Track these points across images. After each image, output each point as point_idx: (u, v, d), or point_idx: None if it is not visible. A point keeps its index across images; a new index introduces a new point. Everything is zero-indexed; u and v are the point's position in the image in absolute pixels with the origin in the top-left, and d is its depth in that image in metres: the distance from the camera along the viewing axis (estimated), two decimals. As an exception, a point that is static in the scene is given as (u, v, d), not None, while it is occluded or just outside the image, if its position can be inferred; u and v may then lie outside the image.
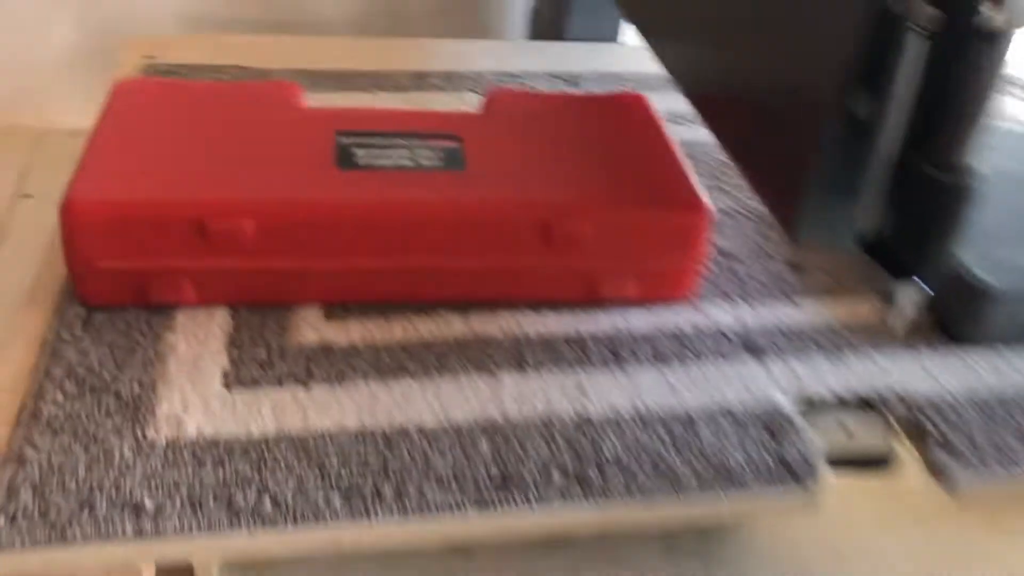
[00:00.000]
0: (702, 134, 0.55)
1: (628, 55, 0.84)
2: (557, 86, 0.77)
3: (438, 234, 0.49)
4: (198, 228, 0.47)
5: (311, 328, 0.50)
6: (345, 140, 0.53)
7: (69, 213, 0.46)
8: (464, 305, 0.52)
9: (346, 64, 0.77)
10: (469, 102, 0.73)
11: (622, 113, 0.59)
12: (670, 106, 0.73)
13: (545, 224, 0.49)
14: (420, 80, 0.76)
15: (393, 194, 0.49)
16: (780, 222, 0.45)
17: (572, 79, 0.78)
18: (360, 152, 0.52)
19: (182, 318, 0.49)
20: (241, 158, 0.50)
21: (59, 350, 0.46)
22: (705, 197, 0.51)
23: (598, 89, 0.77)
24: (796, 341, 0.52)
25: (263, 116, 0.54)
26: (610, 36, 0.88)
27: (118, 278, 0.48)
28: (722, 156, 0.68)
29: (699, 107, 0.55)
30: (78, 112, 1.03)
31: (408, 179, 0.50)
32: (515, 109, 0.58)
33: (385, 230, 0.48)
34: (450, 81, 0.76)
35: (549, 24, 0.92)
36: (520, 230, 0.49)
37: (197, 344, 0.48)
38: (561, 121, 0.57)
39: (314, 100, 0.70)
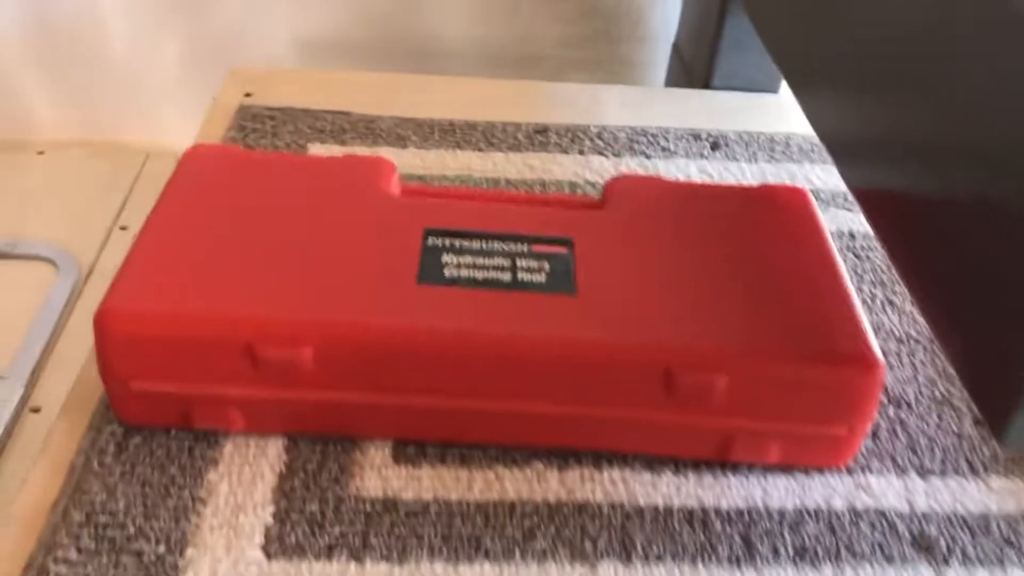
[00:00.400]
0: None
1: (785, 111, 0.73)
2: (696, 148, 0.66)
3: (535, 375, 0.40)
4: (247, 353, 0.39)
5: (376, 473, 0.41)
6: (434, 241, 0.44)
7: (102, 325, 0.39)
8: (563, 454, 0.43)
9: (459, 112, 0.69)
10: (594, 169, 0.63)
11: (775, 215, 0.48)
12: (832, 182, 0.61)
13: (669, 372, 0.39)
14: (539, 136, 0.66)
15: (482, 324, 0.40)
16: (983, 413, 0.34)
17: (715, 139, 0.67)
18: (449, 259, 0.43)
19: (230, 448, 0.42)
20: (307, 262, 0.42)
21: (85, 484, 0.40)
22: (876, 347, 0.40)
23: (744, 153, 0.66)
24: (985, 538, 0.41)
25: (343, 204, 0.46)
26: (766, 85, 0.76)
27: (156, 401, 0.41)
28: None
29: (868, 210, 0.43)
30: (186, 132, 0.99)
31: (503, 302, 0.41)
32: (640, 205, 0.48)
33: (471, 367, 0.40)
34: (573, 140, 0.66)
35: (691, 64, 0.81)
36: (637, 377, 0.39)
37: (241, 489, 0.40)
38: (697, 224, 0.47)
39: (417, 160, 0.62)
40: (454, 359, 0.39)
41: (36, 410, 0.68)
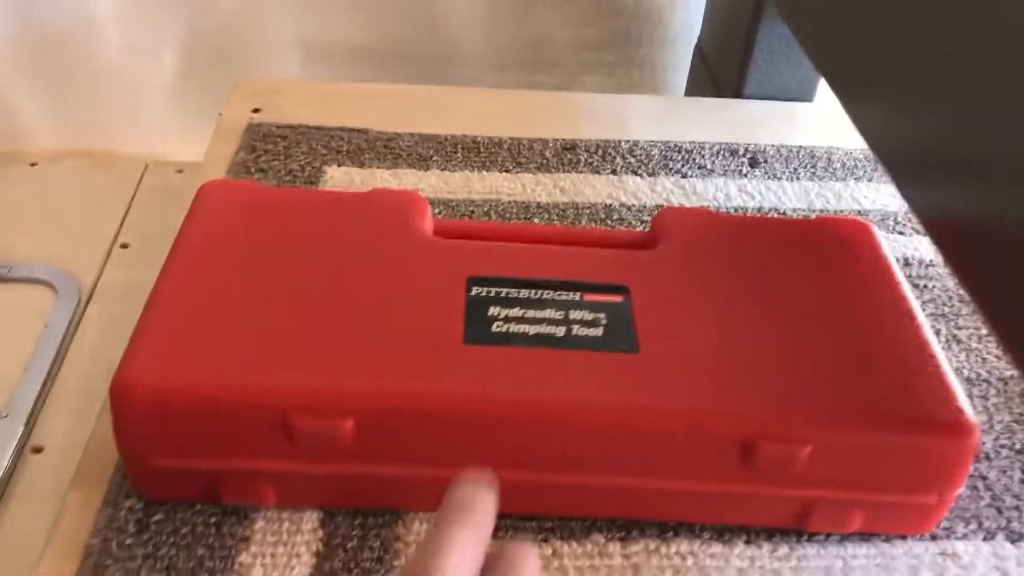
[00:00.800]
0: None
1: (823, 122, 0.69)
2: (735, 164, 0.63)
3: (596, 445, 0.36)
4: (282, 425, 0.35)
5: (422, 550, 0.38)
6: (479, 291, 0.40)
7: (120, 397, 0.35)
8: (626, 526, 0.39)
9: (482, 127, 0.65)
10: (629, 190, 0.59)
11: (841, 254, 0.44)
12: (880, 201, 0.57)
13: (748, 443, 0.35)
14: (568, 154, 0.63)
15: (537, 389, 0.36)
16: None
17: (753, 155, 0.64)
18: (496, 312, 0.39)
19: (261, 525, 0.38)
20: (342, 319, 0.38)
21: (104, 570, 0.36)
22: (969, 408, 0.37)
23: (785, 171, 0.62)
24: (1086, 612, 0.37)
25: (376, 250, 0.42)
26: (800, 93, 0.72)
27: (180, 476, 0.37)
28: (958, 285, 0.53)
29: (936, 235, 0.39)
30: (186, 142, 0.94)
31: (558, 362, 0.37)
32: (694, 244, 0.44)
33: (527, 436, 0.36)
34: (604, 157, 0.62)
35: (718, 69, 0.77)
36: (712, 448, 0.36)
37: (277, 573, 0.36)
38: (758, 266, 0.43)
39: (442, 183, 0.59)
40: (507, 427, 0.36)
41: (38, 450, 0.65)
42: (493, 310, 0.39)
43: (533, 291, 0.40)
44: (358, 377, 0.36)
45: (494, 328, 0.39)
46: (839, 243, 0.45)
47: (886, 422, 0.36)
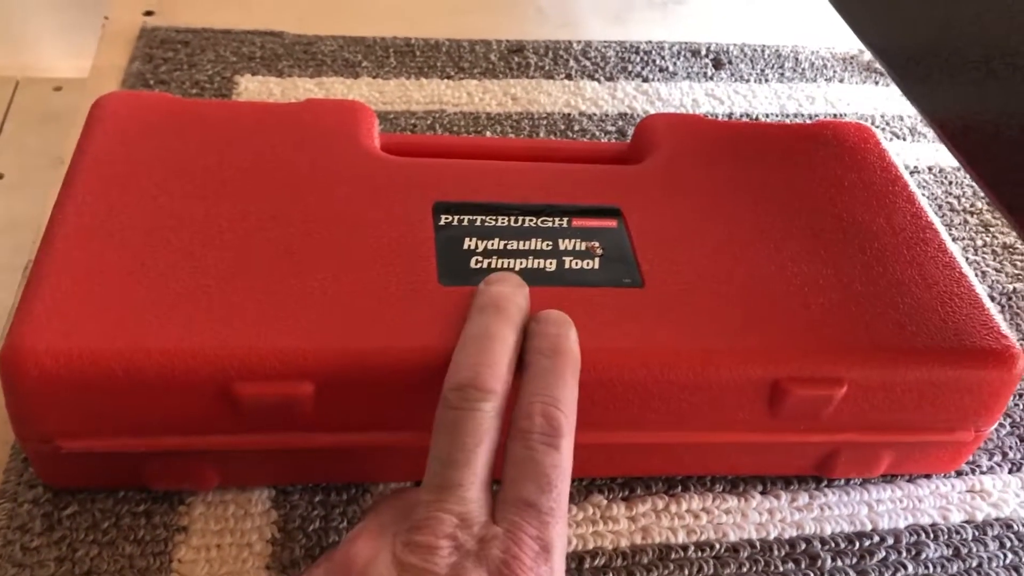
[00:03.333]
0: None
1: (786, 18, 0.64)
2: (698, 66, 0.57)
3: (604, 398, 0.31)
4: (224, 395, 0.28)
5: (398, 528, 0.32)
6: (448, 220, 0.34)
7: (11, 370, 0.28)
8: (628, 484, 0.34)
9: (415, 28, 0.57)
10: (587, 97, 0.53)
11: (847, 161, 0.39)
12: (855, 102, 0.52)
13: (779, 386, 0.31)
14: (516, 57, 0.56)
15: (535, 335, 0.30)
16: None
17: (716, 55, 0.58)
18: (473, 244, 0.33)
19: (201, 510, 0.32)
20: (291, 260, 0.31)
21: (7, 581, 0.29)
22: (1011, 334, 0.33)
23: (752, 72, 0.57)
24: (1122, 545, 0.35)
25: (322, 175, 0.35)
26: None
27: (95, 460, 0.30)
28: (950, 188, 0.49)
29: (950, 135, 0.35)
30: (64, 54, 0.83)
31: (554, 303, 0.31)
32: (686, 155, 0.38)
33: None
34: (556, 61, 0.56)
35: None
36: (736, 394, 0.31)
37: (225, 569, 0.30)
38: (761, 179, 0.38)
39: (375, 92, 0.51)
40: (499, 383, 0.30)
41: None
42: (469, 242, 0.33)
43: (513, 218, 0.34)
44: (315, 332, 0.29)
45: (473, 264, 0.32)
46: (844, 150, 0.40)
47: (926, 354, 0.32)
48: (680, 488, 0.34)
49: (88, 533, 0.31)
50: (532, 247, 0.33)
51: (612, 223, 0.35)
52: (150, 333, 0.28)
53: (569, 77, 0.55)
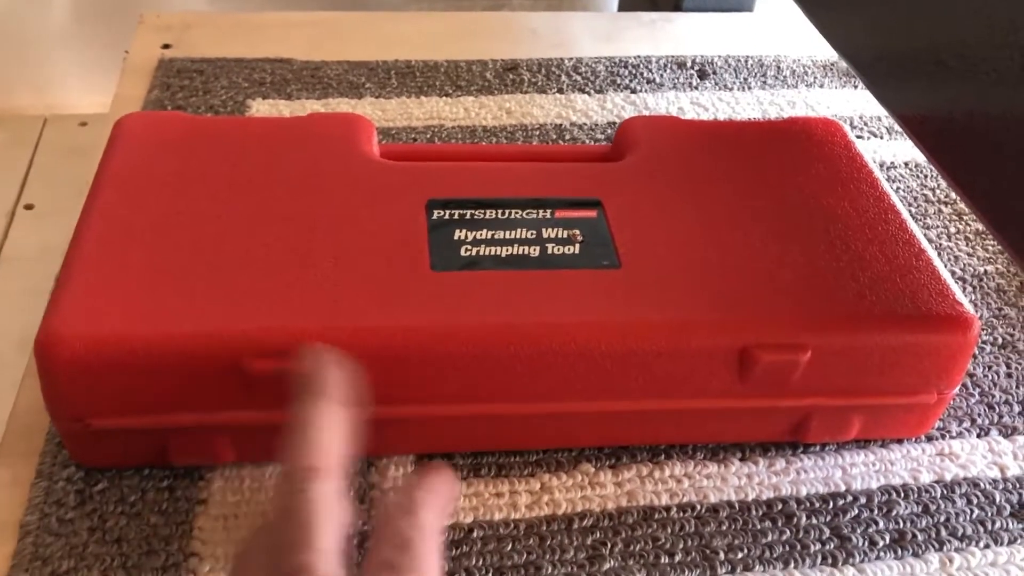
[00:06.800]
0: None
1: (766, 31, 0.67)
2: (684, 77, 0.60)
3: (583, 370, 0.33)
4: (236, 372, 0.31)
5: (401, 497, 0.35)
6: (440, 215, 0.37)
7: (48, 354, 0.31)
8: (615, 453, 0.37)
9: (415, 51, 0.61)
10: (578, 108, 0.56)
11: (815, 153, 0.42)
12: (835, 106, 0.55)
13: (746, 353, 0.33)
14: (510, 74, 0.59)
15: (515, 314, 0.33)
16: None
17: (701, 66, 0.61)
18: (463, 235, 0.36)
19: (219, 484, 0.35)
20: (296, 253, 0.34)
21: (44, 549, 0.32)
22: (966, 301, 0.35)
23: (735, 81, 0.60)
24: (1086, 500, 0.37)
25: (324, 177, 0.38)
26: (738, 3, 0.70)
27: (122, 438, 0.33)
28: (925, 181, 0.51)
29: (917, 134, 0.38)
30: (88, 91, 0.87)
31: (536, 284, 0.34)
32: (663, 152, 0.41)
33: (507, 366, 0.33)
34: (548, 76, 0.59)
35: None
36: (708, 362, 0.33)
37: (235, 549, 0.33)
38: (733, 171, 0.41)
39: (378, 111, 0.54)
40: (489, 358, 0.33)
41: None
42: (459, 233, 0.36)
43: (500, 211, 0.37)
44: (321, 315, 0.32)
45: (463, 252, 0.35)
46: (812, 143, 0.42)
47: (885, 321, 0.34)
48: (663, 456, 0.37)
49: (117, 506, 0.33)
50: (517, 236, 0.36)
51: (592, 213, 0.38)
52: (170, 319, 0.32)
53: (561, 91, 0.58)
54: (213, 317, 0.32)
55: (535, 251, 0.36)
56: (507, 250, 0.36)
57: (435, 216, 0.37)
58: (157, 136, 0.39)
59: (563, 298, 0.34)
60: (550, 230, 0.37)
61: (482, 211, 0.37)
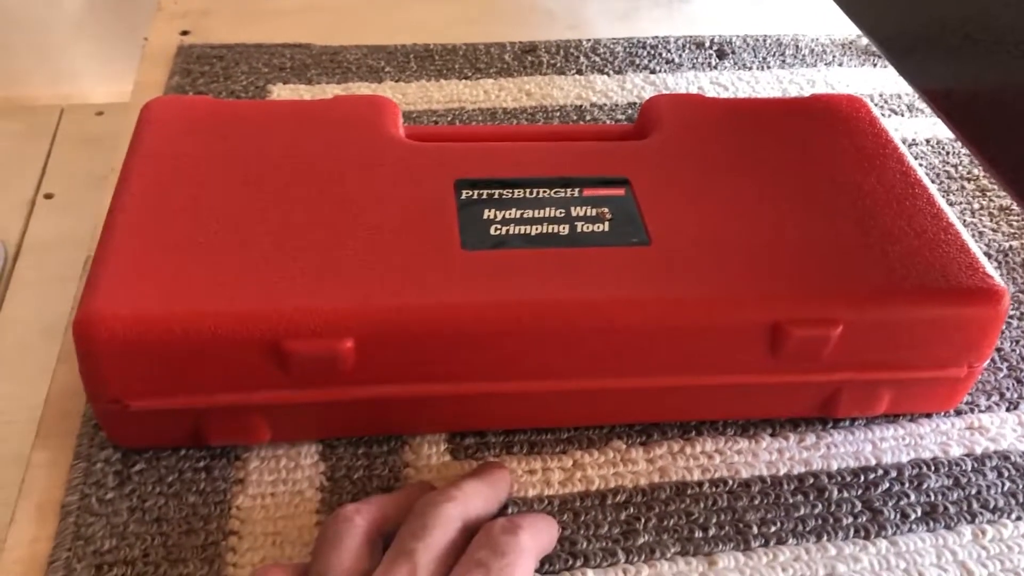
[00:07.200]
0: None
1: (785, 9, 0.66)
2: (703, 57, 0.60)
3: (614, 346, 0.33)
4: (274, 352, 0.32)
5: (435, 474, 0.35)
6: (469, 194, 0.37)
7: (86, 336, 0.31)
8: (646, 430, 0.37)
9: (433, 35, 0.61)
10: (598, 89, 0.56)
11: (840, 129, 0.42)
12: (855, 84, 0.55)
13: (778, 328, 0.33)
14: (529, 56, 0.59)
15: (547, 292, 0.33)
16: None
17: (720, 46, 0.61)
18: (492, 214, 0.36)
19: (256, 464, 0.35)
20: (327, 234, 0.34)
21: (86, 529, 0.32)
22: (996, 274, 0.35)
23: (754, 61, 0.60)
24: (1116, 472, 0.37)
25: (352, 159, 0.38)
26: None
27: (160, 418, 0.33)
28: (947, 158, 0.51)
29: (941, 108, 0.38)
30: (104, 80, 0.87)
31: (566, 262, 0.34)
32: (688, 129, 0.41)
33: (539, 343, 0.33)
34: (567, 58, 0.59)
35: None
36: (739, 338, 0.34)
37: (280, 514, 0.33)
38: (759, 147, 0.41)
39: (398, 94, 0.55)
40: (521, 335, 0.33)
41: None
42: (488, 213, 0.36)
43: (528, 190, 0.37)
44: (354, 294, 0.32)
45: (492, 231, 0.35)
46: (837, 119, 0.42)
47: (915, 295, 0.34)
48: (694, 433, 0.37)
49: (155, 486, 0.34)
50: (546, 215, 0.36)
51: (620, 191, 0.38)
52: (205, 299, 0.32)
53: (580, 72, 0.58)
54: (249, 297, 0.32)
55: (564, 229, 0.36)
56: (536, 228, 0.36)
57: (464, 196, 0.37)
58: (185, 119, 0.39)
59: (593, 275, 0.34)
60: (578, 208, 0.37)
61: (510, 190, 0.37)
